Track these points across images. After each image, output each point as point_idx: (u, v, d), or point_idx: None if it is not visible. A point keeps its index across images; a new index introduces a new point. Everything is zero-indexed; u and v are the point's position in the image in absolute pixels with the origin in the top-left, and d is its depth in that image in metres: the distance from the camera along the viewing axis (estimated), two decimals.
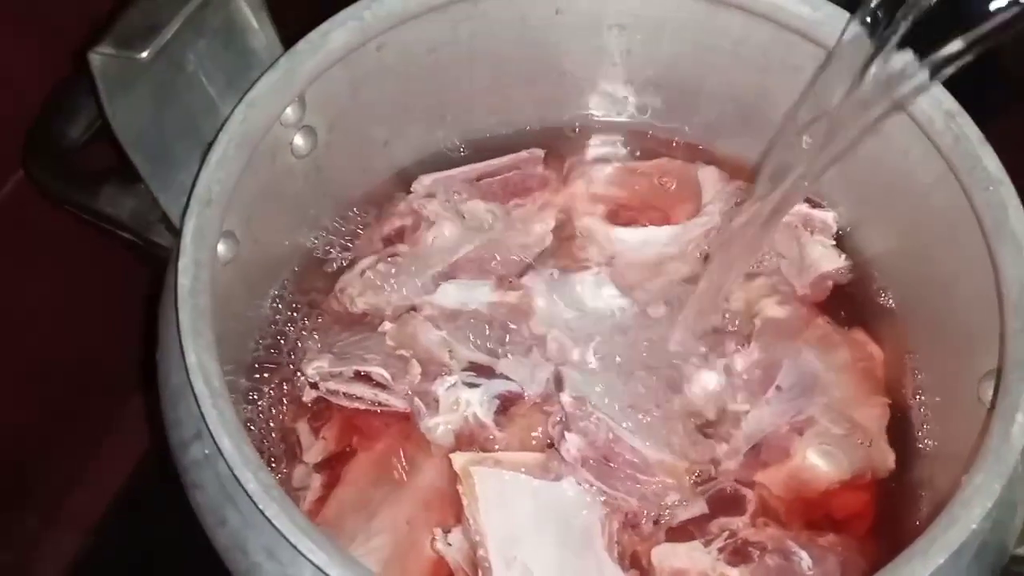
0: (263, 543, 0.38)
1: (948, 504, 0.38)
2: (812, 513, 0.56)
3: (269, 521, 0.36)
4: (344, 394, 0.56)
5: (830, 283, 0.62)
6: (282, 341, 0.60)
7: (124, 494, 0.82)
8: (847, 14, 0.52)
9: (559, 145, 0.67)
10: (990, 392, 0.49)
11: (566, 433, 0.53)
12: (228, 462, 0.37)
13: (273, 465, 0.55)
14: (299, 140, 0.57)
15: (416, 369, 0.57)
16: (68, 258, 0.69)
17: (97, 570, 0.80)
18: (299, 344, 0.60)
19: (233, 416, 0.38)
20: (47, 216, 0.59)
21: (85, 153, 0.53)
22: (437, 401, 0.55)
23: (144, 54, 0.42)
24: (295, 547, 0.35)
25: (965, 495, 0.38)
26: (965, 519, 0.37)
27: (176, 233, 0.48)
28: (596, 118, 0.69)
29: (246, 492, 0.36)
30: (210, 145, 0.46)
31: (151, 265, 0.51)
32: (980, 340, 0.51)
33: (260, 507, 0.36)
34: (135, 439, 0.80)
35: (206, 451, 0.40)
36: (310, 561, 0.35)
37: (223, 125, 0.47)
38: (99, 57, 0.42)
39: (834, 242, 0.63)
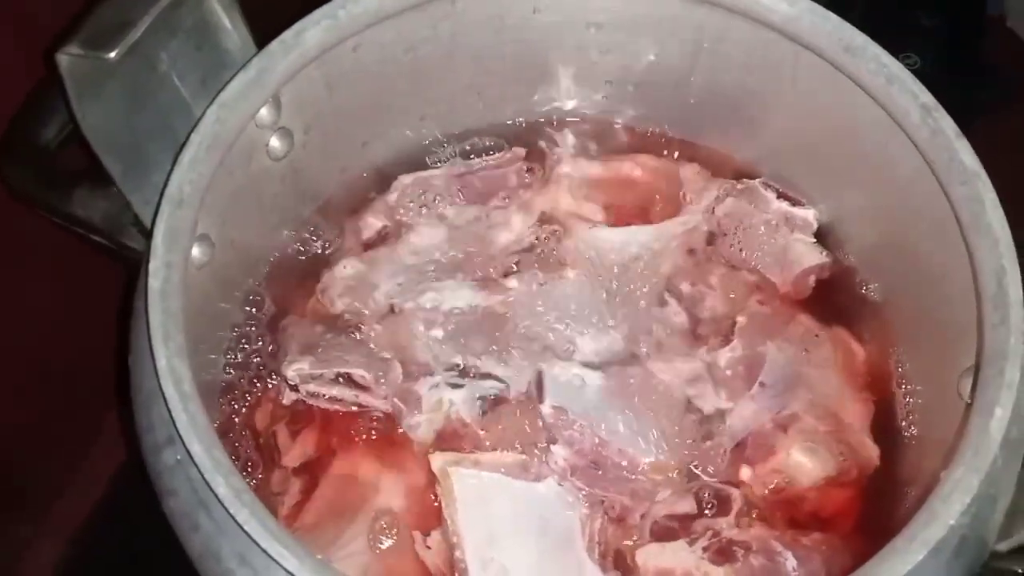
0: (236, 549, 0.38)
1: (927, 500, 0.38)
2: (797, 511, 0.55)
3: (240, 527, 0.35)
4: (324, 396, 0.56)
5: (812, 279, 0.62)
6: (260, 344, 0.60)
7: (110, 499, 0.82)
8: (825, 10, 0.52)
9: (540, 143, 0.67)
10: (969, 388, 0.48)
11: (551, 445, 0.53)
12: (199, 467, 0.36)
13: (250, 470, 0.54)
14: (275, 142, 0.56)
15: (398, 370, 0.56)
16: (54, 263, 0.69)
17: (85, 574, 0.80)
18: (278, 346, 0.59)
19: (205, 421, 0.38)
20: (28, 221, 0.58)
21: (59, 156, 0.52)
22: (419, 400, 0.55)
23: (113, 54, 0.42)
24: (267, 553, 0.35)
25: (944, 490, 0.38)
26: (944, 515, 0.37)
27: (148, 236, 0.47)
28: (577, 116, 0.68)
29: (217, 497, 0.35)
30: (182, 147, 0.46)
31: (125, 269, 0.50)
32: (961, 335, 0.50)
33: (231, 512, 0.35)
34: (122, 443, 0.80)
35: (178, 456, 0.39)
36: (282, 567, 0.35)
37: (195, 126, 0.46)
38: (67, 58, 0.41)
39: (815, 239, 0.62)
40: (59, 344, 0.74)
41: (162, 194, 0.44)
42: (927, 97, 0.49)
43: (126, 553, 0.78)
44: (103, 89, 0.43)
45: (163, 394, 0.38)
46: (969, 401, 0.48)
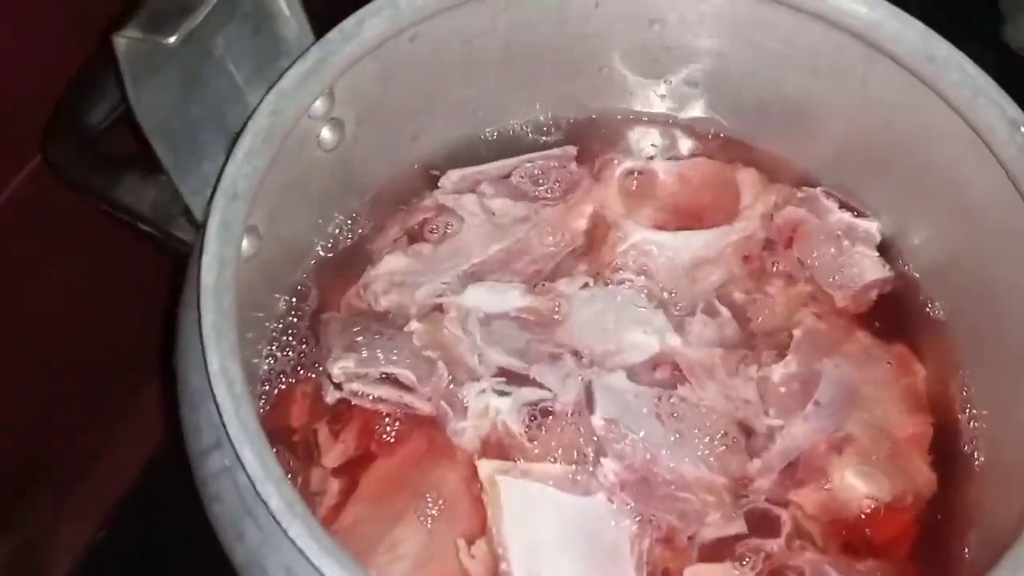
0: (283, 561, 0.36)
1: (1013, 545, 0.36)
2: (849, 536, 0.53)
3: (292, 541, 0.34)
4: (369, 396, 0.54)
5: (873, 294, 0.60)
6: (302, 338, 0.58)
7: (139, 482, 0.81)
8: (908, 16, 0.50)
9: (593, 142, 0.65)
10: None
11: (601, 459, 0.51)
12: (249, 475, 0.35)
13: (288, 469, 0.53)
14: (327, 133, 0.55)
15: (443, 372, 0.55)
16: (88, 243, 0.68)
17: (110, 558, 0.79)
18: (320, 342, 0.58)
19: (256, 426, 0.36)
20: (66, 199, 0.57)
21: (107, 140, 0.51)
22: (465, 406, 0.53)
23: (172, 39, 0.40)
24: (318, 569, 0.33)
25: None
26: None
27: (198, 227, 0.46)
28: (633, 115, 0.66)
29: (267, 508, 0.34)
30: (237, 136, 0.44)
31: (171, 259, 0.49)
32: None
33: (282, 525, 0.34)
34: (151, 426, 0.79)
35: (226, 461, 0.38)
36: None
37: (251, 116, 0.45)
38: (125, 40, 0.39)
39: (877, 252, 0.60)
40: (85, 333, 0.73)
41: (216, 186, 0.42)
42: (1015, 111, 0.46)
43: (150, 543, 0.78)
44: (159, 74, 0.42)
45: (214, 397, 0.36)
46: None
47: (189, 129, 0.46)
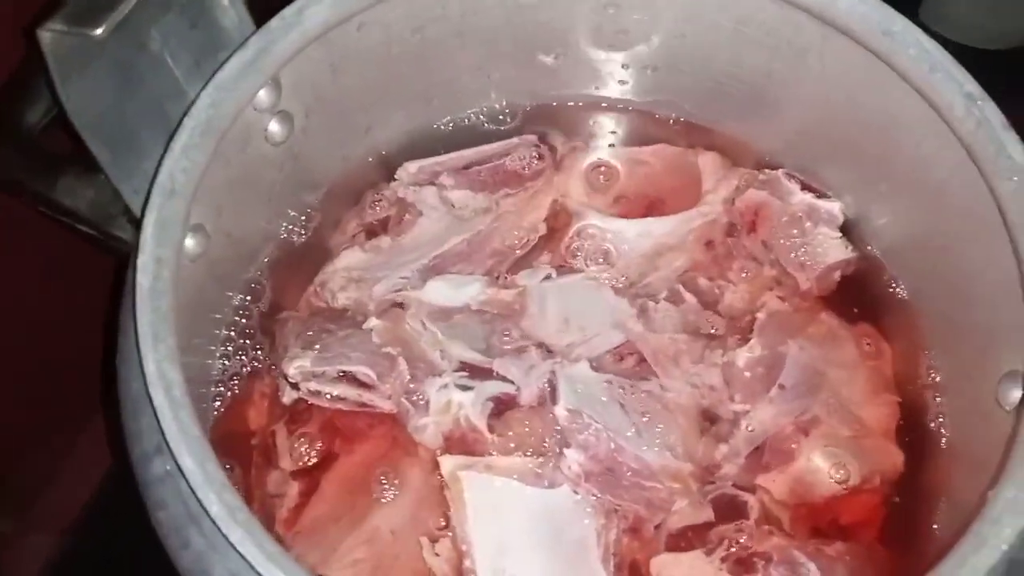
0: (229, 568, 0.35)
1: (975, 522, 0.35)
2: (817, 519, 0.53)
3: (234, 547, 0.32)
4: (326, 395, 0.53)
5: (837, 275, 0.59)
6: (258, 339, 0.57)
7: (99, 494, 0.79)
8: None
9: (553, 130, 0.64)
10: (1011, 394, 0.46)
11: (565, 449, 0.50)
12: (190, 482, 0.33)
13: (246, 472, 0.52)
14: (274, 126, 0.53)
15: (403, 368, 0.54)
16: (42, 256, 0.66)
17: (71, 571, 0.78)
18: (276, 342, 0.57)
19: (197, 431, 0.35)
20: (15, 212, 0.55)
21: (44, 141, 0.49)
22: (427, 402, 0.52)
23: (99, 30, 0.38)
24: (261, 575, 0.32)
25: (994, 512, 0.35)
26: (995, 539, 0.34)
27: (138, 227, 0.44)
28: (591, 101, 0.65)
29: (209, 516, 0.33)
30: (174, 132, 0.43)
31: (114, 261, 0.48)
32: (1001, 338, 0.48)
33: (224, 532, 0.32)
34: (95, 461, 0.77)
35: (167, 467, 0.37)
36: None
37: (188, 110, 0.43)
38: (50, 34, 0.38)
39: (840, 233, 0.60)
40: (46, 339, 0.71)
41: (152, 183, 0.41)
42: (972, 86, 0.46)
43: (112, 553, 0.76)
44: (89, 69, 0.40)
45: (152, 402, 0.35)
46: (1011, 409, 0.45)
47: (126, 127, 0.44)
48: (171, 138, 0.42)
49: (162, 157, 0.42)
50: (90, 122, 0.41)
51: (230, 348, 0.56)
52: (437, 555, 0.49)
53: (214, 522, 0.33)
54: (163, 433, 0.34)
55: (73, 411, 0.78)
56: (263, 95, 0.50)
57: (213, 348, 0.55)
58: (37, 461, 0.76)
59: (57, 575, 0.77)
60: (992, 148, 0.45)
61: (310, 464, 0.53)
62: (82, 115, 0.41)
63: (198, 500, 0.33)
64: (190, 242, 0.47)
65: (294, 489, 0.53)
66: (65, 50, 0.39)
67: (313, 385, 0.53)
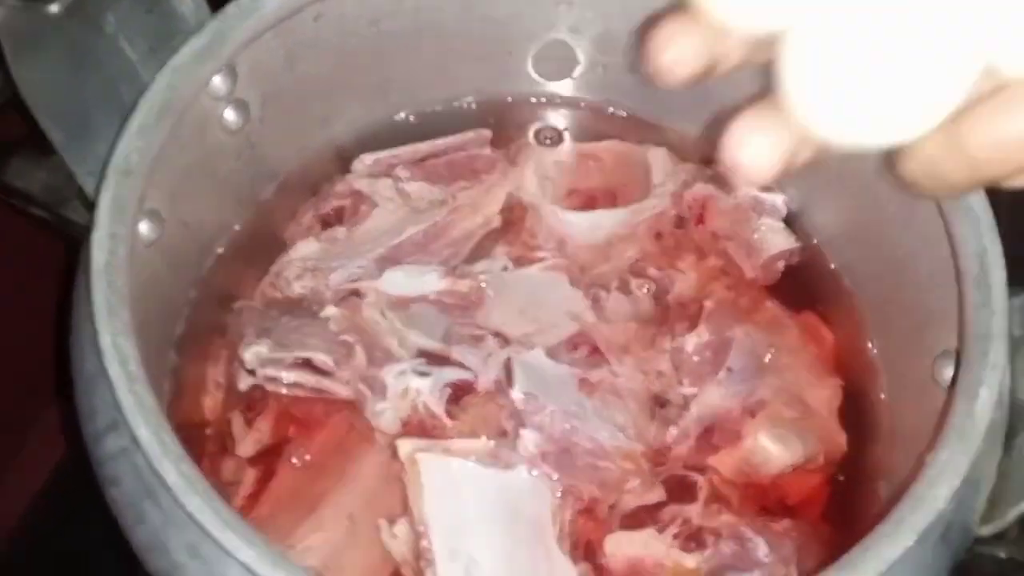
0: (186, 541, 0.35)
1: (912, 484, 0.37)
2: (765, 499, 0.54)
3: (191, 517, 0.33)
4: (283, 381, 0.53)
5: (781, 265, 0.61)
6: (213, 327, 0.57)
7: (46, 496, 0.78)
8: None
9: (507, 124, 0.65)
10: (945, 371, 0.48)
11: (521, 430, 0.51)
12: (146, 453, 0.33)
13: (199, 461, 0.51)
14: (230, 114, 0.54)
15: (361, 355, 0.54)
16: None
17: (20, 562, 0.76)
18: (232, 331, 0.56)
19: (153, 403, 0.35)
20: None
21: None
22: (384, 387, 0.52)
23: (54, 7, 0.38)
24: (220, 544, 0.32)
25: (930, 474, 0.37)
26: (931, 499, 0.36)
27: (92, 207, 0.44)
28: (544, 97, 0.66)
29: (166, 485, 0.33)
30: (130, 112, 0.43)
31: (66, 246, 0.47)
32: (936, 319, 0.50)
33: (182, 501, 0.33)
34: (59, 441, 0.76)
35: (122, 443, 0.37)
36: (236, 559, 0.32)
37: (145, 92, 0.43)
38: (2, 8, 0.38)
39: (784, 224, 0.61)
40: None
41: (107, 161, 0.41)
42: None
43: (60, 551, 0.75)
44: (43, 47, 0.40)
45: (107, 375, 0.35)
46: (946, 386, 0.47)
47: (80, 108, 0.44)
48: (126, 118, 0.42)
49: (117, 137, 0.42)
50: (44, 102, 0.41)
51: (184, 338, 0.56)
52: (395, 537, 0.49)
53: (172, 492, 0.33)
54: (119, 406, 0.34)
55: (22, 411, 0.76)
56: (218, 82, 0.50)
57: (166, 336, 0.55)
58: None
59: (4, 569, 0.75)
60: None
61: (266, 451, 0.53)
62: (35, 94, 0.41)
63: (155, 472, 0.33)
64: (144, 227, 0.47)
65: (250, 477, 0.53)
66: (19, 26, 0.39)
67: (270, 371, 0.53)
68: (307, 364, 0.54)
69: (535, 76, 0.66)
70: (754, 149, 0.30)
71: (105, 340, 0.35)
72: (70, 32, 0.42)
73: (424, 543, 0.48)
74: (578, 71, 0.65)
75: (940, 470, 0.37)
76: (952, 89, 0.27)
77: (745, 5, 0.28)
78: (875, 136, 0.29)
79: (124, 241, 0.39)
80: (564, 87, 0.66)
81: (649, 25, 0.30)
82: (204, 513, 0.32)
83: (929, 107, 0.27)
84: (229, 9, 0.48)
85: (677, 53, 0.30)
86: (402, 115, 0.65)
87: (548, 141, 0.66)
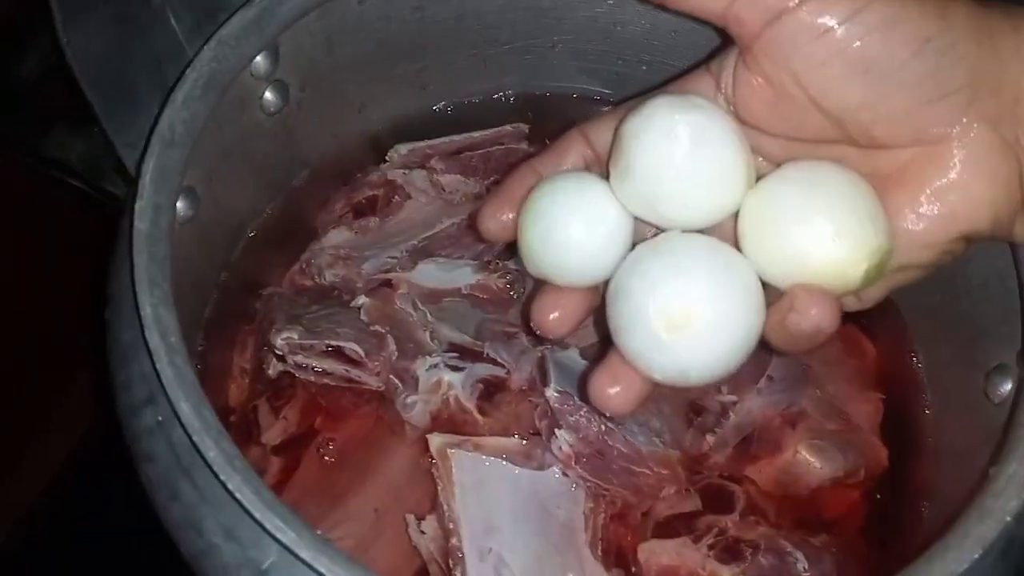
0: (222, 521, 0.34)
1: (977, 496, 0.36)
2: (802, 511, 0.53)
3: (231, 494, 0.31)
4: (313, 369, 0.52)
5: None
6: (240, 313, 0.56)
7: (60, 481, 0.77)
8: None
9: (545, 119, 0.64)
10: (1001, 387, 0.46)
11: (556, 430, 0.49)
12: (186, 427, 0.32)
13: None
14: (270, 95, 0.53)
15: (392, 346, 0.53)
16: (16, 217, 0.64)
17: (27, 558, 0.75)
18: (261, 317, 0.55)
19: (192, 376, 0.34)
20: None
21: (36, 93, 0.48)
22: (416, 379, 0.51)
23: None
24: (260, 524, 0.31)
25: (997, 486, 0.35)
26: (999, 512, 0.34)
27: (131, 181, 0.43)
28: (585, 93, 0.65)
29: (205, 461, 0.32)
30: (175, 84, 0.42)
31: (101, 218, 0.46)
32: (988, 333, 0.49)
33: (221, 478, 0.31)
34: (75, 422, 0.75)
35: (159, 417, 0.35)
36: (277, 540, 0.31)
37: (191, 62, 0.42)
38: None
39: None
40: (15, 312, 0.69)
41: (151, 132, 0.40)
42: None
43: (73, 537, 0.74)
44: (92, 15, 0.40)
45: (147, 346, 0.34)
46: (1000, 401, 0.46)
47: (124, 79, 0.43)
48: (172, 89, 0.41)
49: (162, 107, 0.41)
50: (89, 69, 0.40)
51: (213, 322, 0.55)
52: (423, 533, 0.48)
53: (211, 468, 0.31)
54: (159, 378, 0.33)
55: (40, 391, 0.75)
56: (261, 61, 0.49)
57: (195, 319, 0.53)
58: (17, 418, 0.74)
59: (10, 561, 0.74)
60: None
61: (292, 441, 0.52)
62: (82, 61, 0.40)
63: (194, 446, 0.32)
64: (181, 204, 0.46)
65: (275, 465, 0.52)
66: None
67: (300, 358, 0.52)
68: (337, 353, 0.52)
69: (576, 71, 0.64)
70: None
71: (146, 310, 0.34)
72: (119, 2, 0.41)
73: (454, 541, 0.47)
74: (621, 68, 0.64)
75: (1007, 482, 0.35)
76: None
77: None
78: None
79: (166, 212, 0.38)
80: (604, 83, 0.65)
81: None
82: (244, 492, 0.31)
83: None
84: None
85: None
86: (439, 105, 0.64)
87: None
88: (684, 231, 0.36)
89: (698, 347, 0.34)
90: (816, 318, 0.34)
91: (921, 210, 0.35)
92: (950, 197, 0.34)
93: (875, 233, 0.34)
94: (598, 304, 0.39)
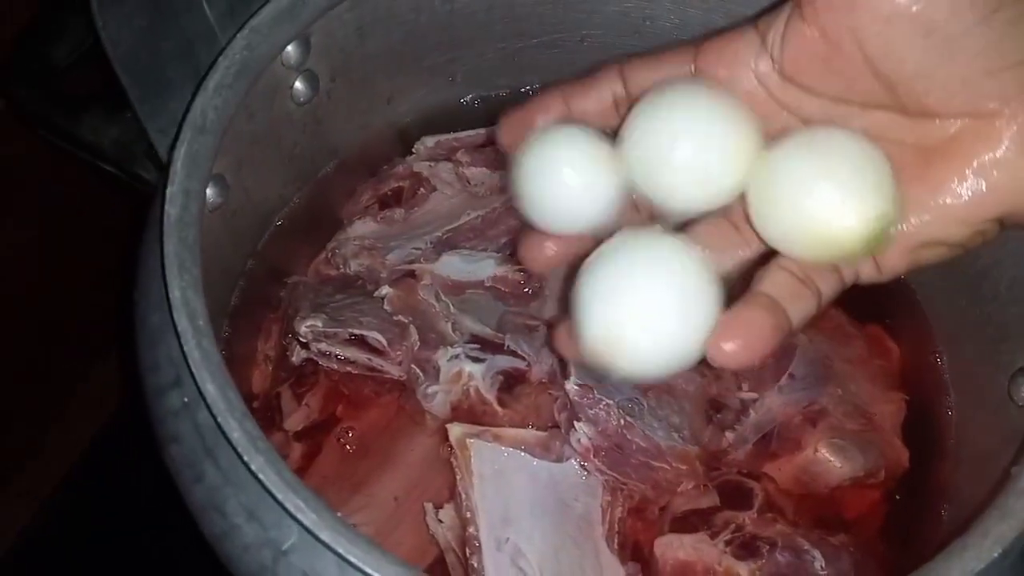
0: (244, 502, 0.34)
1: (998, 496, 0.35)
2: (821, 510, 0.53)
3: (254, 475, 0.32)
4: (336, 357, 0.52)
5: None
6: (265, 300, 0.56)
7: (82, 464, 0.78)
8: None
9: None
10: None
11: (575, 423, 0.49)
12: (211, 408, 0.33)
13: None
14: (300, 85, 0.53)
15: (414, 336, 0.53)
16: (44, 201, 0.65)
17: (49, 541, 0.76)
18: (286, 305, 0.56)
19: (219, 358, 0.34)
20: (23, 157, 0.55)
21: (70, 78, 0.49)
22: (437, 370, 0.52)
23: None
24: (282, 505, 0.31)
25: (1019, 486, 0.35)
26: (1020, 511, 0.34)
27: (161, 166, 0.44)
28: None
29: (229, 442, 0.32)
30: (207, 71, 0.42)
31: (131, 202, 0.47)
32: (1013, 335, 0.48)
33: (244, 459, 0.32)
34: (98, 408, 0.76)
35: (185, 399, 0.36)
36: (298, 521, 0.31)
37: (223, 50, 0.43)
38: None
39: None
40: (41, 296, 0.70)
41: (183, 118, 0.41)
42: None
43: (95, 520, 0.75)
44: (128, 0, 0.40)
45: (175, 328, 0.34)
46: (1022, 404, 0.45)
47: (157, 64, 0.44)
48: (204, 76, 0.42)
49: (194, 94, 0.41)
50: (123, 54, 0.41)
51: (239, 309, 0.56)
52: (441, 522, 0.48)
53: (234, 448, 0.32)
54: (186, 359, 0.34)
55: (64, 374, 0.76)
56: (292, 51, 0.50)
57: (222, 306, 0.54)
58: (22, 425, 0.75)
59: (33, 543, 0.75)
60: None
61: (314, 427, 0.53)
62: (116, 45, 0.40)
63: (219, 427, 0.32)
64: (211, 191, 0.46)
65: (296, 452, 0.52)
66: None
67: (324, 346, 0.52)
68: (360, 341, 0.53)
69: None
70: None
71: (175, 293, 0.35)
72: None
73: (471, 530, 0.47)
74: None
75: None
76: None
77: None
78: None
79: (196, 198, 0.39)
80: None
81: None
82: (266, 473, 0.32)
83: None
84: None
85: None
86: (467, 98, 0.64)
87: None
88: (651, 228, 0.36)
89: (633, 364, 0.34)
90: (729, 357, 0.34)
91: (964, 184, 0.33)
92: (995, 174, 0.33)
93: (878, 200, 0.33)
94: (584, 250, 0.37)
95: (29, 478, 0.76)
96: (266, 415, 0.54)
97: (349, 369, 0.52)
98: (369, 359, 0.53)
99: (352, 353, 0.52)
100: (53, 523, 0.77)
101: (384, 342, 0.53)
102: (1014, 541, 0.34)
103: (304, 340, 0.52)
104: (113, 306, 0.46)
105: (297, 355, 0.52)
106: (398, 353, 0.53)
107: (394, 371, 0.53)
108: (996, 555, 0.33)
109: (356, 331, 0.52)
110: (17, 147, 0.55)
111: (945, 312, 0.57)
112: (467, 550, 0.47)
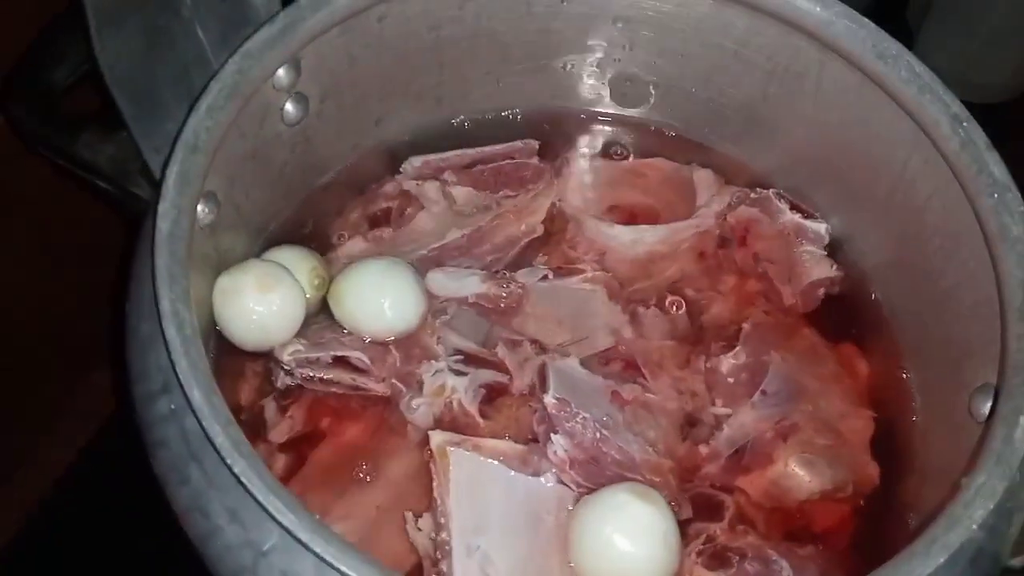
0: (227, 504, 0.36)
1: (948, 505, 0.37)
2: (791, 523, 0.54)
3: (236, 478, 0.33)
4: (320, 379, 0.53)
5: (821, 292, 0.61)
6: None
7: (74, 472, 0.79)
8: (860, 16, 0.52)
9: (555, 136, 0.66)
10: (983, 406, 0.48)
11: (552, 435, 0.51)
12: (196, 414, 0.34)
13: None
14: (290, 106, 0.55)
15: (396, 354, 0.55)
16: (40, 217, 0.66)
17: (37, 550, 0.77)
18: None
19: (206, 367, 0.36)
20: (20, 174, 0.56)
21: (68, 98, 0.51)
22: (421, 383, 0.53)
23: None
24: (263, 506, 0.33)
25: (967, 496, 0.37)
26: (966, 520, 0.35)
27: (155, 184, 0.45)
28: (594, 113, 0.67)
29: (213, 446, 0.34)
30: (200, 94, 0.44)
31: (126, 219, 0.49)
32: (976, 353, 0.50)
33: (228, 463, 0.33)
34: (88, 420, 0.77)
35: (172, 405, 0.37)
36: (278, 523, 0.33)
37: (216, 73, 0.45)
38: None
39: (825, 253, 0.62)
40: (38, 308, 0.71)
41: (176, 138, 0.42)
42: (959, 107, 0.48)
43: (82, 531, 0.76)
44: (124, 24, 0.42)
45: (164, 337, 0.36)
46: (982, 421, 0.47)
47: (153, 86, 0.46)
48: (197, 99, 0.44)
49: (187, 116, 0.43)
50: (120, 76, 0.43)
51: None
52: (420, 530, 0.50)
53: (219, 453, 0.33)
54: (173, 367, 0.35)
55: (55, 387, 0.77)
56: (283, 74, 0.52)
57: (211, 321, 0.55)
58: (19, 432, 0.76)
59: (20, 553, 0.76)
60: (975, 167, 0.47)
61: (298, 439, 0.54)
62: (113, 68, 0.42)
63: (204, 432, 0.34)
64: (202, 208, 0.48)
65: (280, 463, 0.53)
66: (105, 3, 0.40)
67: (307, 371, 0.53)
68: (343, 362, 0.54)
69: (587, 90, 0.67)
70: None
71: (165, 304, 0.37)
72: (150, 13, 0.44)
73: (443, 535, 0.48)
74: (629, 89, 0.66)
75: (976, 493, 0.37)
76: None
77: None
78: None
79: (187, 214, 0.40)
80: (614, 103, 0.67)
81: None
82: (248, 476, 0.33)
83: None
84: (301, 1, 0.50)
85: None
86: (454, 121, 0.66)
87: (594, 155, 0.67)
88: None
89: None
90: None
91: None
92: None
93: None
94: None
95: (19, 487, 0.77)
96: (252, 427, 0.54)
97: (334, 390, 0.54)
98: (353, 379, 0.54)
99: (336, 375, 0.53)
100: (42, 531, 0.78)
101: (367, 361, 0.54)
102: (960, 549, 0.35)
103: (287, 368, 0.53)
104: (107, 317, 0.47)
105: (281, 381, 0.53)
106: (381, 371, 0.54)
107: (378, 388, 0.54)
108: (941, 561, 0.34)
109: (338, 352, 0.54)
110: (16, 164, 0.56)
111: (913, 329, 0.58)
112: (438, 554, 0.48)
